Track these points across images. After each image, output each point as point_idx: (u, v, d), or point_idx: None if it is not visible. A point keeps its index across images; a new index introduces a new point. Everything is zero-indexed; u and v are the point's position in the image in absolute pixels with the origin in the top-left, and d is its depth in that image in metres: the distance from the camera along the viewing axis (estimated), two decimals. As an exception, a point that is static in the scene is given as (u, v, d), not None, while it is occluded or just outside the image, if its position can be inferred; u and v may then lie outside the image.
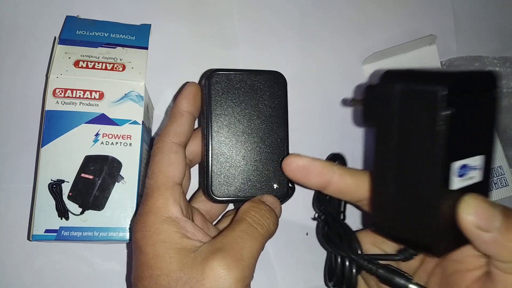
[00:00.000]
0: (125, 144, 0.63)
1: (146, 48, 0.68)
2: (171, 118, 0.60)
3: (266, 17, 0.86)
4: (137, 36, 0.70)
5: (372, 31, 0.89)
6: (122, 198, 0.62)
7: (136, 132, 0.64)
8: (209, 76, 0.62)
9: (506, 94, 0.87)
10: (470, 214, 0.46)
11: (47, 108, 0.62)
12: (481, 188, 0.48)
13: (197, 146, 0.63)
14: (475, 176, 0.48)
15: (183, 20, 0.83)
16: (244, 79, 0.63)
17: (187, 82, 0.63)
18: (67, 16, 0.70)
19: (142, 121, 0.64)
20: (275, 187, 0.62)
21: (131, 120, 0.64)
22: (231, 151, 0.61)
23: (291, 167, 0.59)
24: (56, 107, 0.62)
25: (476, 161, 0.47)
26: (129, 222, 0.62)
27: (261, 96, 0.63)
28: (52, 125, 0.62)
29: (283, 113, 0.64)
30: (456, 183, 0.46)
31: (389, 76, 0.50)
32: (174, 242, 0.52)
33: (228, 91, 0.62)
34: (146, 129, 0.67)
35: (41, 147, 0.62)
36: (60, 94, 0.63)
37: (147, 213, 0.54)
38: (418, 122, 0.46)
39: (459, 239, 0.47)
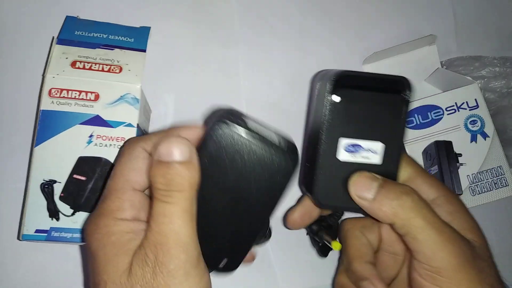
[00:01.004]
0: (119, 146, 0.61)
1: (144, 51, 0.66)
2: (161, 131, 0.54)
3: (266, 17, 0.84)
4: (135, 39, 0.68)
5: (372, 31, 0.88)
6: None
7: (130, 134, 0.62)
8: (214, 124, 0.48)
9: (506, 94, 0.85)
10: (352, 186, 0.55)
11: (42, 107, 0.60)
12: (380, 170, 0.55)
13: None
14: (370, 158, 0.56)
15: (183, 21, 0.81)
16: (249, 145, 0.48)
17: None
18: (67, 16, 0.68)
19: (137, 124, 0.62)
20: (224, 262, 0.54)
21: (125, 122, 0.62)
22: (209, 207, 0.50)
23: (291, 221, 0.65)
24: (51, 107, 0.61)
25: (371, 145, 0.55)
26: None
27: (260, 173, 0.49)
28: (47, 125, 0.60)
29: (275, 197, 0.51)
30: (344, 155, 0.55)
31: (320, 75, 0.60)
32: (124, 243, 0.47)
33: (227, 151, 0.48)
34: (141, 131, 0.65)
35: (35, 147, 0.60)
36: (56, 94, 0.61)
37: (100, 215, 0.48)
38: (319, 106, 0.55)
39: (350, 203, 0.55)
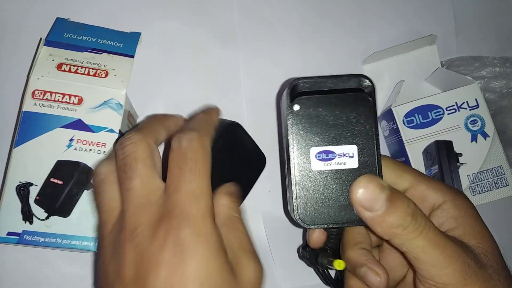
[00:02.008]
0: (99, 152, 0.60)
1: (132, 57, 0.64)
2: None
3: (266, 17, 0.82)
4: (125, 44, 0.66)
5: (372, 31, 0.85)
6: (90, 206, 0.58)
7: (111, 140, 0.60)
8: (233, 124, 0.62)
9: (506, 94, 0.83)
10: (355, 193, 0.47)
11: (24, 109, 0.59)
12: (360, 174, 0.51)
13: None
14: (346, 163, 0.52)
15: (182, 21, 0.79)
16: (244, 144, 0.64)
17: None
18: (57, 18, 0.67)
19: (119, 130, 0.61)
20: None
21: (107, 128, 0.60)
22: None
23: (313, 241, 0.59)
24: (34, 109, 0.59)
25: (344, 149, 0.52)
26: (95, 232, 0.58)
27: (246, 163, 0.65)
28: (28, 127, 0.59)
29: (249, 184, 0.65)
30: (318, 165, 0.51)
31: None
32: None
33: (232, 143, 0.61)
34: (122, 138, 0.63)
35: (14, 148, 0.58)
36: (39, 96, 0.59)
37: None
38: (284, 120, 0.54)
39: (339, 216, 0.52)
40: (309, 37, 0.83)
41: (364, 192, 0.48)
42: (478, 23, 0.89)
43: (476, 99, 0.75)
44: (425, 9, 0.87)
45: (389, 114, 0.76)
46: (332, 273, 0.69)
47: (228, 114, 0.74)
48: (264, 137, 0.69)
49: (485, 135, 0.75)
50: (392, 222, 0.47)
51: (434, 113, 0.75)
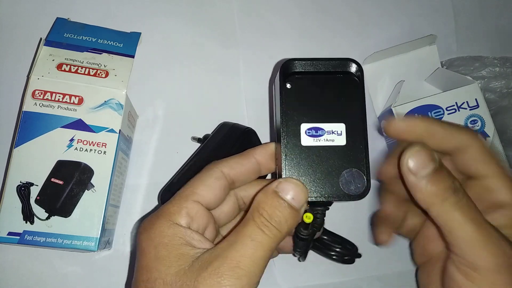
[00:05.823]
0: (100, 152, 0.60)
1: (132, 57, 0.64)
2: (240, 155, 0.56)
3: (266, 17, 0.82)
4: (125, 44, 0.66)
5: (372, 31, 0.85)
6: (91, 206, 0.58)
7: (112, 140, 0.60)
8: (247, 131, 0.70)
9: (506, 94, 0.82)
10: (408, 156, 0.48)
11: (24, 109, 0.59)
12: (348, 151, 0.52)
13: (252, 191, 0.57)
14: (335, 140, 0.52)
15: (182, 21, 0.79)
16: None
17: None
18: (57, 18, 0.67)
19: (120, 130, 0.61)
20: None
21: (108, 128, 0.60)
22: None
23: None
24: (34, 109, 0.59)
25: (333, 127, 0.52)
26: (96, 232, 0.58)
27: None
28: (28, 127, 0.59)
29: None
30: (307, 141, 0.52)
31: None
32: (176, 247, 0.47)
33: (248, 148, 0.59)
34: (124, 138, 0.64)
35: (14, 148, 0.58)
36: (39, 96, 0.59)
37: (157, 216, 0.50)
38: (276, 98, 0.54)
39: (326, 191, 0.51)
40: (309, 37, 0.83)
41: (415, 156, 0.48)
42: (478, 23, 0.89)
43: (476, 99, 0.75)
44: (425, 9, 0.87)
45: (389, 114, 0.75)
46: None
47: (228, 114, 0.74)
48: (264, 137, 0.69)
49: (485, 135, 0.74)
50: (433, 192, 0.47)
51: (434, 113, 0.75)
